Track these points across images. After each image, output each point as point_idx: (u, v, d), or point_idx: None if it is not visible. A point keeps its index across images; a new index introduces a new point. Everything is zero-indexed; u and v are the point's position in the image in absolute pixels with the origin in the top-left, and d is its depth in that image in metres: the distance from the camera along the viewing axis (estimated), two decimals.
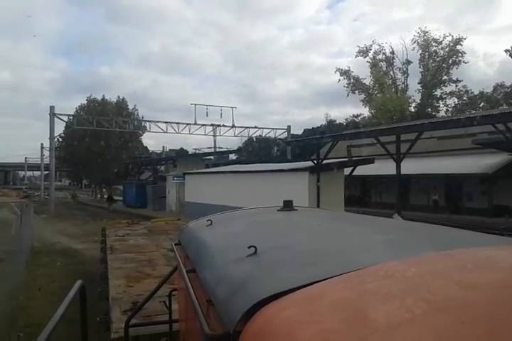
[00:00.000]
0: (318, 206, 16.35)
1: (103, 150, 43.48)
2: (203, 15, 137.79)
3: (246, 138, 52.17)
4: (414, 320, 0.84)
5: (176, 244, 2.92)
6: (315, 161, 16.72)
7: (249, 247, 1.58)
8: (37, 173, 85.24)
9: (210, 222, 2.60)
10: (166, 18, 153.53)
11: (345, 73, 48.99)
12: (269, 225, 2.47)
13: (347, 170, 17.44)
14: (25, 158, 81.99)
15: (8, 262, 10.95)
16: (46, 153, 50.95)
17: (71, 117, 38.31)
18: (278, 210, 2.80)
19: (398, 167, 13.68)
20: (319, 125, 56.26)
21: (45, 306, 7.91)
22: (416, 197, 27.53)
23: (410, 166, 21.83)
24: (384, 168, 20.76)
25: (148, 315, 4.34)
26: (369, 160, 17.51)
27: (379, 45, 48.31)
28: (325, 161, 16.87)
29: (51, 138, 33.73)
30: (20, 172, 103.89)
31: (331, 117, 57.05)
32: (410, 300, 0.92)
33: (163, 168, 42.84)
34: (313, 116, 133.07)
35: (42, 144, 59.16)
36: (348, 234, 2.03)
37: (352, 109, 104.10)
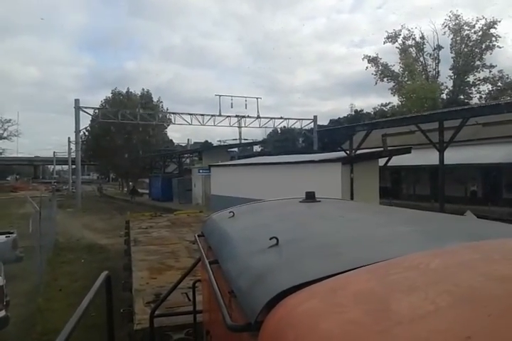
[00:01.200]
0: (351, 199, 15.51)
1: (128, 144, 43.33)
2: (223, 7, 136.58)
3: (270, 130, 51.49)
4: (438, 313, 0.80)
5: (199, 236, 2.95)
6: (347, 151, 15.74)
7: (270, 238, 1.57)
8: (66, 167, 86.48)
9: (232, 213, 2.61)
10: (188, 10, 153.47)
11: (373, 60, 47.27)
12: (291, 216, 2.44)
13: (381, 161, 16.49)
14: (54, 152, 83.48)
15: (28, 260, 10.50)
16: (74, 147, 51.34)
17: (96, 110, 38.24)
18: (300, 201, 2.78)
19: (441, 156, 12.61)
20: (343, 115, 54.98)
21: (65, 309, 7.40)
22: (451, 188, 26.20)
23: (445, 156, 20.69)
24: (419, 157, 19.64)
25: (171, 307, 4.32)
26: (406, 150, 16.45)
27: (408, 30, 46.37)
28: (358, 151, 15.88)
29: (76, 131, 33.63)
30: (49, 166, 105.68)
31: (355, 107, 55.59)
32: (435, 292, 0.89)
33: (188, 160, 42.42)
34: (335, 107, 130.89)
35: (69, 138, 59.46)
36: (371, 225, 1.98)
37: (376, 99, 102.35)
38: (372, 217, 2.34)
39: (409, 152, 16.54)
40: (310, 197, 2.79)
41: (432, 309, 0.82)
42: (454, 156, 20.89)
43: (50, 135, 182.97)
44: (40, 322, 7.29)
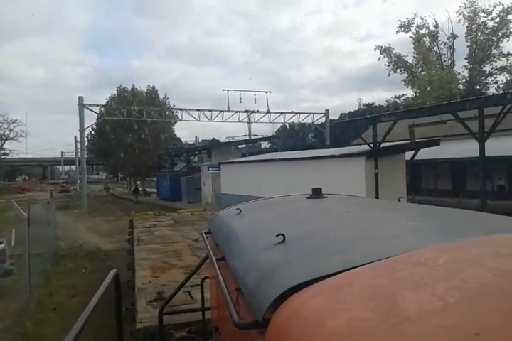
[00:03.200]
0: (376, 196, 14.20)
1: (135, 142, 42.16)
2: (228, 4, 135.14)
3: (279, 126, 50.18)
4: (446, 309, 0.80)
5: (205, 233, 2.92)
6: (371, 145, 14.36)
7: (277, 235, 1.55)
8: (75, 167, 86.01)
9: (239, 210, 2.59)
10: (192, 8, 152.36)
11: (385, 51, 45.63)
12: (298, 213, 2.44)
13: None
14: (62, 152, 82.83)
15: (21, 272, 9.27)
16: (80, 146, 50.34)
17: (101, 108, 37.10)
18: (307, 198, 2.75)
19: (482, 147, 11.19)
20: (354, 110, 53.49)
21: (57, 335, 6.20)
22: (474, 182, 24.73)
23: (466, 148, 19.21)
24: (446, 150, 18.21)
25: (173, 305, 4.17)
26: (434, 142, 15.05)
27: (422, 19, 44.68)
28: (382, 145, 14.50)
29: (81, 130, 32.46)
30: (58, 166, 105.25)
31: (363, 102, 54.13)
32: (443, 288, 0.88)
33: (196, 158, 41.14)
34: (343, 102, 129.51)
35: (76, 138, 58.57)
36: (378, 220, 1.96)
37: (384, 93, 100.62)
38: (379, 212, 2.30)
39: (438, 144, 15.14)
40: (316, 193, 2.75)
41: (439, 305, 0.81)
42: (474, 149, 19.43)
43: (58, 135, 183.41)
44: None
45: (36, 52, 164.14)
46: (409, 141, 14.41)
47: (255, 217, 2.55)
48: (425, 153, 15.46)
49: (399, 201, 2.76)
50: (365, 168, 14.10)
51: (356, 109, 54.01)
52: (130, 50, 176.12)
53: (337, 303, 0.98)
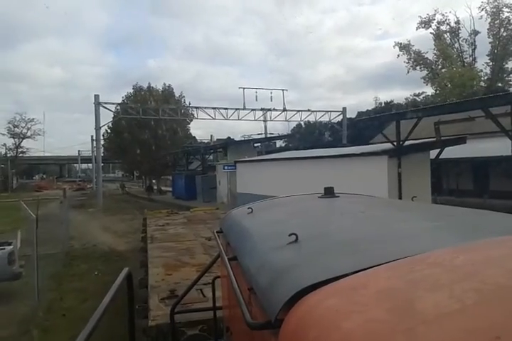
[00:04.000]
0: (399, 197, 13.60)
1: (150, 140, 41.96)
2: (243, 4, 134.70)
3: (294, 125, 49.47)
4: (464, 311, 0.78)
5: (217, 232, 2.86)
6: (394, 143, 13.72)
7: (290, 235, 1.53)
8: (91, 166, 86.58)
9: (250, 209, 2.57)
10: (208, 8, 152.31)
11: (404, 47, 44.60)
12: (310, 212, 2.42)
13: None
14: (78, 150, 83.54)
15: (31, 274, 8.93)
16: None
17: (117, 106, 36.99)
18: (319, 197, 2.71)
19: None
20: (371, 108, 52.49)
21: None
22: (497, 182, 23.83)
23: (486, 147, 18.38)
24: (474, 148, 17.47)
25: (185, 303, 4.16)
26: (461, 140, 14.34)
27: (442, 15, 43.57)
28: (405, 143, 13.84)
29: (97, 128, 32.34)
30: (75, 165, 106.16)
31: (380, 100, 53.15)
32: (460, 289, 0.86)
33: (211, 157, 40.75)
34: (359, 101, 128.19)
35: (92, 136, 58.81)
36: (393, 220, 1.92)
37: (401, 92, 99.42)
38: (393, 212, 2.26)
39: (465, 142, 14.42)
40: (329, 192, 2.71)
41: (457, 307, 0.79)
42: (500, 147, 18.64)
43: (76, 134, 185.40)
44: None
45: (54, 52, 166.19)
46: (434, 139, 13.70)
47: (267, 216, 2.50)
48: (451, 152, 14.77)
49: (412, 200, 2.67)
50: (388, 167, 13.47)
51: (372, 107, 52.97)
52: (146, 49, 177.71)
53: (352, 305, 0.96)
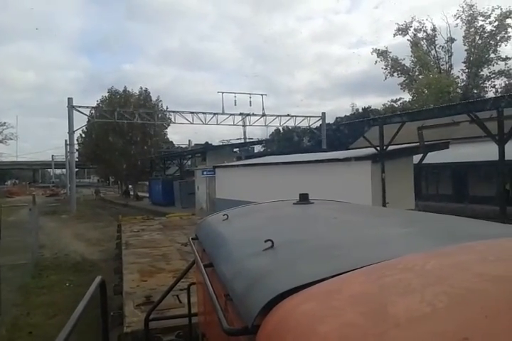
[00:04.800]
0: (383, 202, 13.33)
1: (126, 145, 41.01)
2: (220, 10, 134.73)
3: (273, 131, 49.28)
4: (435, 314, 0.80)
5: (192, 239, 2.87)
6: (377, 148, 13.48)
7: (265, 241, 1.55)
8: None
9: (226, 216, 2.58)
10: (185, 13, 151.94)
11: (382, 54, 44.98)
12: (286, 219, 2.42)
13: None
14: (52, 155, 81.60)
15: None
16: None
17: (92, 111, 36.05)
18: (294, 203, 2.74)
19: (501, 150, 10.33)
20: (350, 113, 52.81)
21: None
22: (477, 187, 23.94)
23: (466, 152, 18.42)
24: (456, 153, 17.43)
25: (162, 309, 4.12)
26: (443, 145, 14.23)
27: (419, 23, 44.13)
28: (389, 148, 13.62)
29: (70, 132, 31.36)
30: (50, 170, 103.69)
31: (356, 106, 53.58)
32: (431, 293, 0.88)
33: (189, 162, 40.05)
34: (335, 107, 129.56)
35: (66, 141, 57.27)
36: (366, 226, 1.94)
37: (376, 99, 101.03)
38: (366, 218, 2.29)
39: (447, 147, 14.31)
40: (304, 198, 2.72)
41: (428, 311, 0.81)
42: (475, 152, 18.68)
43: (50, 139, 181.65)
44: None
45: (27, 55, 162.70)
46: (417, 144, 13.53)
47: (242, 222, 2.51)
48: (433, 157, 14.65)
49: (385, 206, 2.72)
50: (372, 172, 13.21)
51: (349, 113, 53.35)
52: (122, 54, 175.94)
53: (327, 309, 0.97)
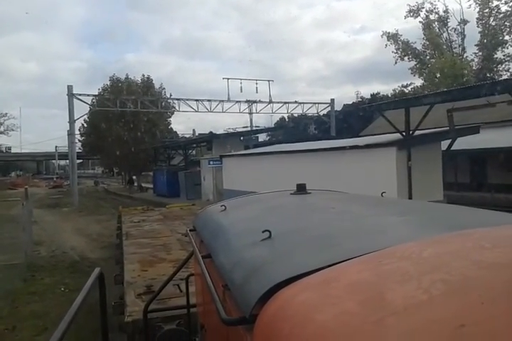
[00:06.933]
0: (409, 194, 12.15)
1: (129, 134, 39.74)
2: None
3: (278, 119, 47.88)
4: (432, 301, 0.80)
5: (190, 230, 2.91)
6: (403, 133, 12.21)
7: (263, 231, 1.54)
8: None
9: (224, 207, 2.57)
10: (186, 2, 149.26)
11: (392, 37, 43.29)
12: (283, 209, 2.43)
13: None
14: (56, 146, 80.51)
15: None
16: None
17: (94, 99, 34.83)
18: (291, 194, 2.73)
19: None
20: (352, 101, 51.23)
21: None
22: (498, 175, 22.61)
23: (491, 137, 17.09)
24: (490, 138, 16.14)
25: (162, 298, 4.16)
26: (474, 129, 12.94)
27: (431, 3, 42.31)
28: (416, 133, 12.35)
29: (71, 121, 30.23)
30: (54, 161, 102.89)
31: (361, 94, 51.99)
32: (428, 281, 0.88)
33: (194, 152, 38.78)
34: (339, 95, 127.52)
35: (68, 131, 56.16)
36: (363, 215, 1.94)
37: (381, 86, 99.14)
38: (363, 207, 2.25)
39: (478, 132, 13.03)
40: (301, 189, 2.71)
41: (425, 298, 0.81)
42: (498, 138, 17.33)
43: (53, 130, 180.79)
44: None
45: (29, 46, 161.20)
46: (446, 128, 12.26)
47: (240, 213, 2.49)
48: (463, 142, 13.38)
49: (382, 196, 2.50)
50: (397, 160, 12.00)
51: (354, 101, 51.69)
52: (124, 44, 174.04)
53: (324, 298, 0.97)
